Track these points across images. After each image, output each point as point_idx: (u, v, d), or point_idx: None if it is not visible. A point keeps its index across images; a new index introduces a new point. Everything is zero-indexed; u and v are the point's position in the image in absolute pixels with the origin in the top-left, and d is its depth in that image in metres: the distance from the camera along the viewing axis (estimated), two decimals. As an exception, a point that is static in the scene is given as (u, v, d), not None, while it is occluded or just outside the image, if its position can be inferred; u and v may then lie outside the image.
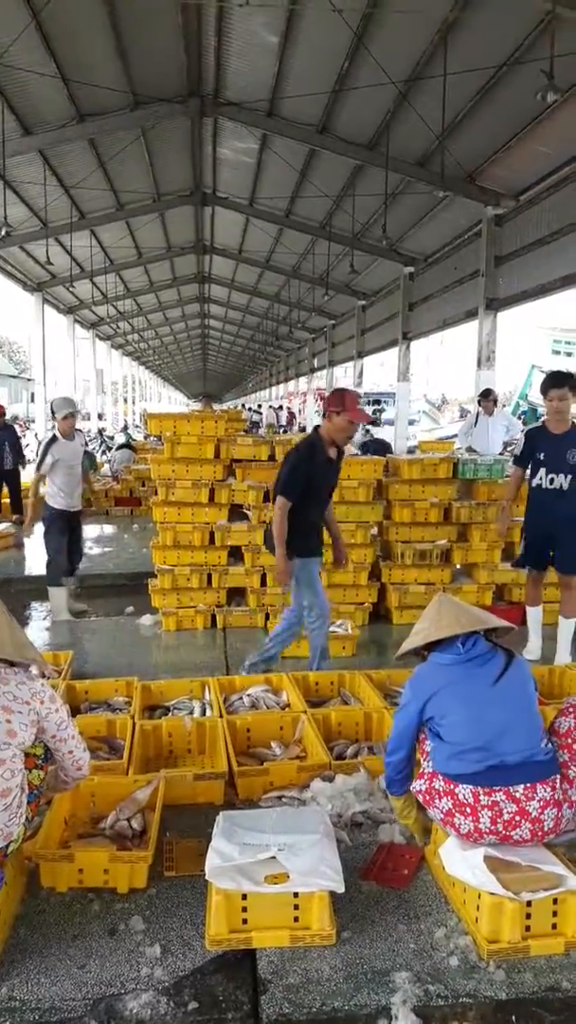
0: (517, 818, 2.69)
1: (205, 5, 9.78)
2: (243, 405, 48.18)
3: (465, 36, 9.10)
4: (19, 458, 12.14)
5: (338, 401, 4.72)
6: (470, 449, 9.47)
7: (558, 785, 2.75)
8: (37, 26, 9.68)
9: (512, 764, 2.73)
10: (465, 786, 2.75)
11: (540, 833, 2.72)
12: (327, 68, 10.76)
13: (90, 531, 11.92)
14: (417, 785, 2.96)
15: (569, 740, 2.89)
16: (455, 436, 21.98)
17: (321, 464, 4.82)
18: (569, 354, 27.94)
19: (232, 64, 11.76)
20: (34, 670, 3.26)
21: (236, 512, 6.79)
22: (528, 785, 2.71)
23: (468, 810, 2.74)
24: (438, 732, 2.88)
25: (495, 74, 9.71)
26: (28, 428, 30.10)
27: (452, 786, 2.78)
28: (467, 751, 2.77)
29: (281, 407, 39.88)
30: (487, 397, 11.39)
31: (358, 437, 13.34)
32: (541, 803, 2.70)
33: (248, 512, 6.69)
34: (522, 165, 11.91)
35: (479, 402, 11.54)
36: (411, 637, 3.10)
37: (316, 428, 4.97)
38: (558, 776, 2.77)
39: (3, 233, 13.63)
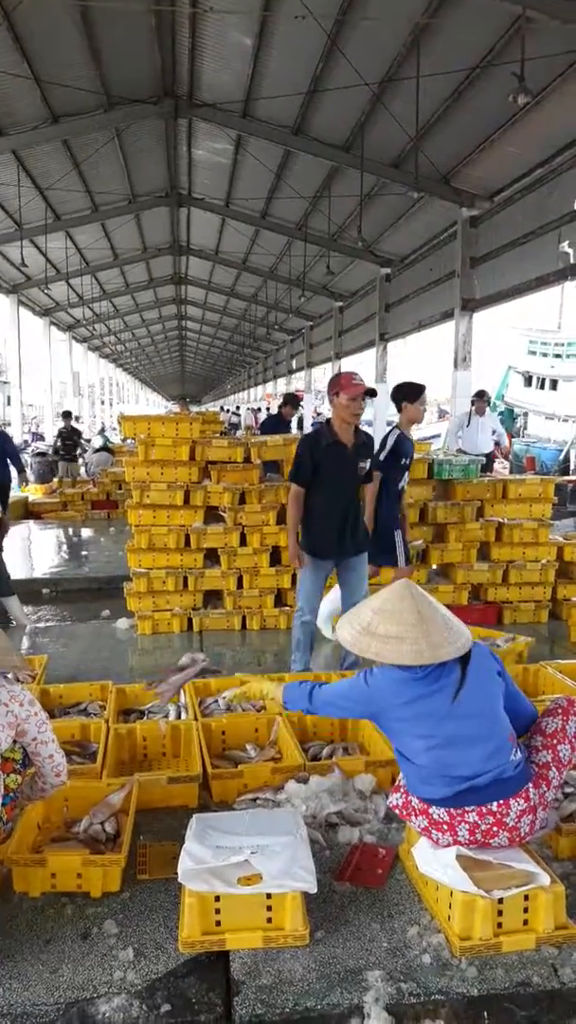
0: (495, 828, 2.68)
1: (178, 7, 9.76)
2: (222, 407, 48.10)
3: (438, 39, 9.16)
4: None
5: (334, 384, 4.88)
6: (460, 450, 9.53)
7: (531, 794, 2.71)
8: (9, 27, 9.62)
9: (482, 786, 2.66)
10: (438, 808, 2.72)
11: (518, 839, 2.72)
12: (301, 70, 10.79)
13: (68, 534, 11.89)
14: (393, 799, 2.93)
15: (554, 741, 2.84)
16: (435, 436, 22.14)
17: (330, 448, 4.87)
18: (545, 355, 28.16)
19: (206, 65, 11.75)
20: (10, 675, 3.25)
21: (212, 514, 6.78)
22: (501, 802, 2.67)
23: (445, 827, 2.72)
24: (403, 752, 2.79)
25: (468, 77, 9.78)
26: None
27: (426, 807, 2.76)
28: (434, 777, 2.70)
29: (259, 409, 39.85)
30: (481, 398, 11.59)
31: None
32: (517, 814, 2.68)
33: (224, 514, 6.69)
34: (496, 167, 12.00)
35: (473, 403, 11.70)
36: (384, 641, 2.65)
37: (328, 420, 5.07)
38: (530, 785, 2.72)
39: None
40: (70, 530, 12.34)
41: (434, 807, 2.73)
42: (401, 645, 2.63)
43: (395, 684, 2.69)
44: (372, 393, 4.92)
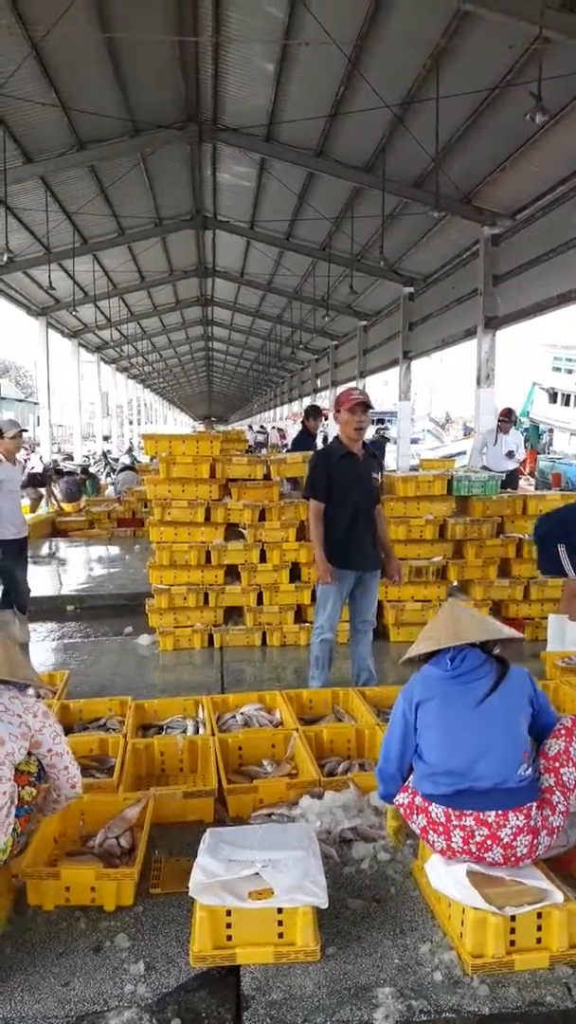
0: (489, 842, 2.68)
1: (200, 37, 9.95)
2: (249, 426, 48.37)
3: (456, 61, 9.23)
4: None
5: (336, 402, 5.12)
6: (485, 468, 9.50)
7: (533, 813, 2.69)
8: (36, 56, 9.85)
9: (481, 790, 2.70)
10: (438, 806, 2.76)
11: (513, 858, 2.70)
12: (323, 93, 10.91)
13: (93, 552, 11.99)
14: (400, 798, 2.96)
15: (557, 764, 2.80)
16: (459, 454, 22.06)
17: (341, 460, 5.03)
18: (570, 371, 27.97)
19: (229, 91, 11.94)
20: (31, 691, 3.30)
21: (232, 531, 6.83)
22: (500, 812, 2.67)
23: (441, 829, 2.75)
24: (420, 749, 2.88)
25: (487, 97, 9.83)
26: (33, 451, 30.34)
27: (427, 804, 2.80)
28: (438, 773, 2.77)
29: (282, 429, 39.89)
30: (508, 417, 11.61)
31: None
32: (513, 830, 2.67)
33: (244, 531, 6.72)
34: (517, 185, 12.02)
35: (500, 421, 11.70)
36: (419, 642, 3.03)
37: (336, 437, 5.25)
38: (534, 804, 2.71)
39: (5, 260, 13.78)
40: (95, 548, 12.44)
41: (434, 804, 2.77)
42: (416, 645, 3.02)
43: (426, 680, 2.92)
44: (367, 406, 5.02)
